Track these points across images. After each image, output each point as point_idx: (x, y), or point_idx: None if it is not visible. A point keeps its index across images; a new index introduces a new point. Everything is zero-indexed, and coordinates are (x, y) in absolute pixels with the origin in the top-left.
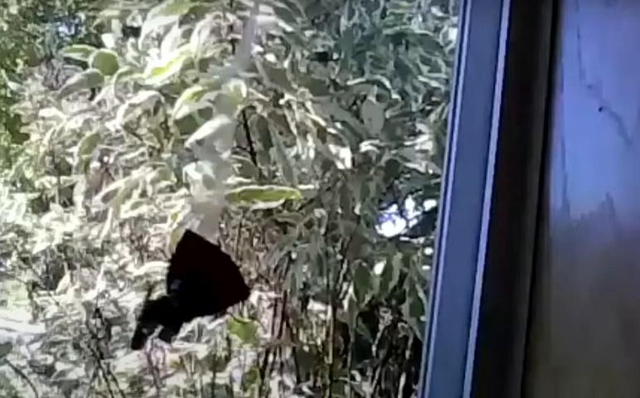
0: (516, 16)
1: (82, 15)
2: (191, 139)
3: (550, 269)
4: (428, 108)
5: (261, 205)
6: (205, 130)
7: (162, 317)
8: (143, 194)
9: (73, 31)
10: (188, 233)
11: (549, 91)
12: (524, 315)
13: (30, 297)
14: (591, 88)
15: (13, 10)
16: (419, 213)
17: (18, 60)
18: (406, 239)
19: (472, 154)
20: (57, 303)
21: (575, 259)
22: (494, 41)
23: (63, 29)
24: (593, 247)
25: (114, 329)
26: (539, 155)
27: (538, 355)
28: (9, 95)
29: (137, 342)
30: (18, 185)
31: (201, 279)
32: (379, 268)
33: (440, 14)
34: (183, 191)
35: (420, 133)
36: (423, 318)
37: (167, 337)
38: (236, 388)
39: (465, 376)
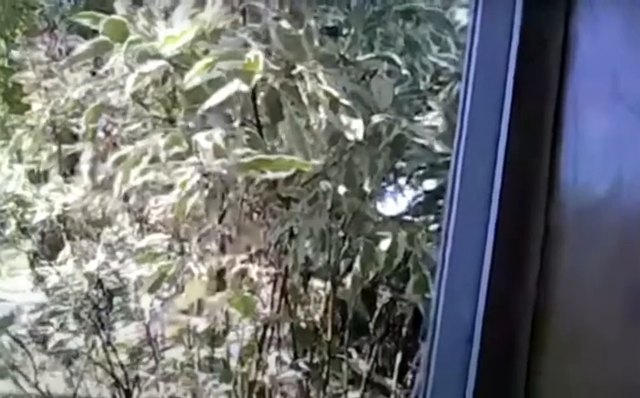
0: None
1: None
2: (205, 106)
3: (559, 249)
4: (436, 87)
5: (270, 175)
6: (218, 97)
7: None
8: (153, 160)
9: (73, 2)
10: None
11: (562, 70)
12: (532, 295)
13: (31, 266)
14: (604, 67)
15: None
16: (421, 192)
17: (17, 31)
18: (409, 217)
19: (483, 132)
20: (58, 273)
21: (585, 238)
22: (508, 20)
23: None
24: (603, 227)
25: (115, 300)
26: (550, 134)
27: (546, 335)
28: (7, 66)
29: None
30: (18, 155)
31: None
32: (384, 244)
33: None
34: (193, 159)
35: (430, 109)
36: (427, 296)
37: None
38: (234, 362)
39: (471, 356)
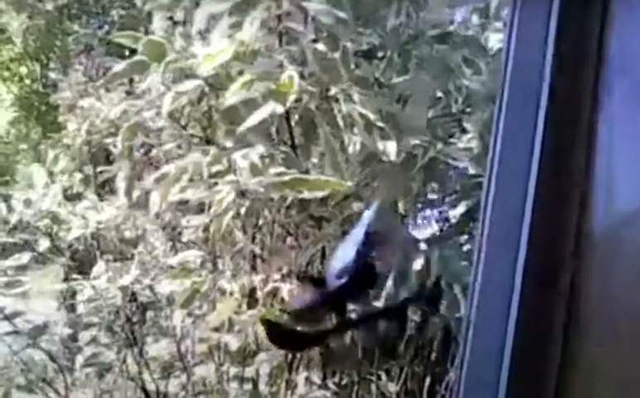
0: (565, 19)
1: (115, 13)
2: (245, 125)
3: (591, 266)
4: (468, 110)
5: (305, 194)
6: (255, 118)
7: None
8: (191, 179)
9: (107, 28)
10: None
11: (595, 89)
12: (562, 315)
13: (66, 280)
14: (638, 86)
15: (49, 6)
16: (454, 213)
17: (52, 55)
18: (443, 238)
19: (516, 153)
20: (93, 287)
21: (617, 252)
22: (541, 40)
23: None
24: (635, 238)
25: (148, 315)
26: (583, 155)
27: (575, 354)
28: (41, 89)
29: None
30: (50, 175)
31: None
32: (417, 265)
33: (482, 20)
34: (229, 177)
35: (464, 131)
36: (458, 317)
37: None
38: (263, 382)
39: (501, 374)
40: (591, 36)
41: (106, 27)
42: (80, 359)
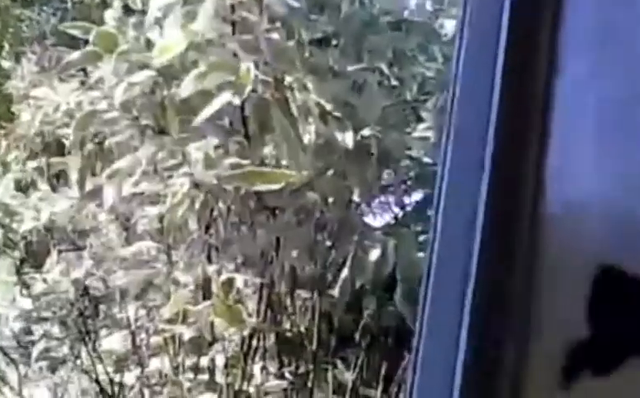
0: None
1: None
2: (200, 117)
3: (547, 254)
4: (423, 97)
5: (261, 187)
6: (211, 109)
7: None
8: (145, 172)
9: (60, 15)
10: None
11: (548, 73)
12: (519, 300)
13: (17, 273)
14: (592, 69)
15: None
16: (410, 202)
17: (5, 44)
18: (398, 227)
19: (470, 142)
20: (44, 281)
21: (573, 234)
22: (495, 27)
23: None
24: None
25: (101, 308)
26: (538, 139)
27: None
28: None
29: None
30: (3, 166)
31: None
32: (374, 255)
33: (436, 6)
34: (184, 169)
35: (420, 120)
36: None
37: None
38: (219, 372)
39: (457, 363)
40: (545, 17)
41: (60, 14)
42: (33, 353)
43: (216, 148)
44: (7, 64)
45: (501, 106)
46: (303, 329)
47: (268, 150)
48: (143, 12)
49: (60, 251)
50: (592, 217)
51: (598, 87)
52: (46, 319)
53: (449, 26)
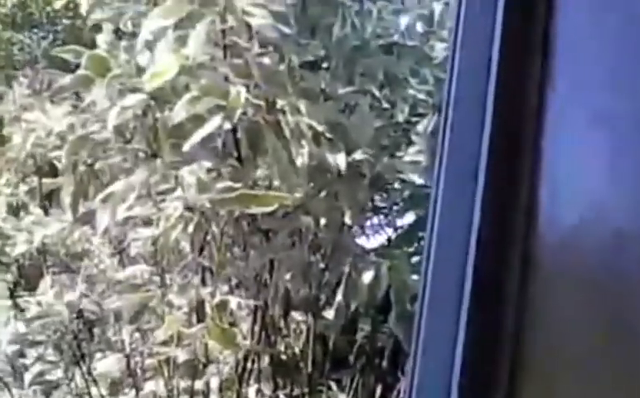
0: (509, 20)
1: (63, 22)
2: (191, 142)
3: (538, 279)
4: (414, 119)
5: (255, 210)
6: (202, 133)
7: None
8: (139, 196)
9: (52, 38)
10: None
11: (540, 86)
12: (512, 324)
13: (11, 296)
14: (583, 86)
15: None
16: (403, 224)
17: None
18: (390, 249)
19: (463, 163)
20: (39, 303)
21: (565, 266)
22: (487, 48)
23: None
24: (583, 251)
25: (95, 331)
26: (530, 159)
27: (525, 365)
28: None
29: None
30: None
31: None
32: (367, 277)
33: (426, 29)
34: (177, 193)
35: (412, 143)
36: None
37: None
38: (213, 394)
39: (452, 384)
40: (536, 35)
41: (51, 37)
42: (27, 377)
43: (209, 171)
44: None
45: (495, 120)
46: (297, 351)
47: (261, 173)
48: (134, 35)
49: (53, 274)
50: (587, 229)
51: (591, 101)
52: (40, 342)
53: (440, 48)
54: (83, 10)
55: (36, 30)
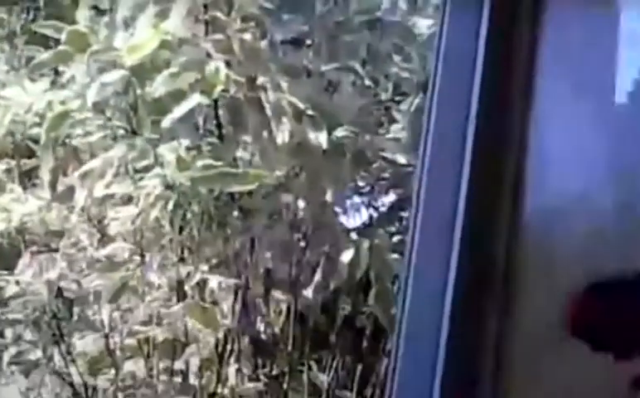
0: (496, 9)
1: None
2: (170, 119)
3: (524, 257)
4: (398, 98)
5: (235, 188)
6: (181, 110)
7: None
8: (117, 173)
9: (32, 15)
10: None
11: (527, 79)
12: (496, 305)
13: None
14: (568, 75)
15: None
16: (384, 203)
17: None
18: (371, 228)
19: (448, 146)
20: (17, 283)
21: (551, 241)
22: (474, 30)
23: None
24: (569, 237)
25: (75, 310)
26: (516, 145)
27: (509, 350)
28: None
29: None
30: None
31: None
32: (347, 256)
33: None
34: (156, 170)
35: (394, 121)
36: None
37: None
38: (193, 374)
39: (436, 366)
40: (523, 25)
41: (31, 14)
42: (5, 357)
43: (189, 149)
44: None
45: (480, 107)
46: (277, 331)
47: (241, 151)
48: (112, 11)
49: (32, 254)
50: (569, 221)
51: (577, 102)
52: (18, 322)
53: (424, 25)
54: None
55: (15, 6)
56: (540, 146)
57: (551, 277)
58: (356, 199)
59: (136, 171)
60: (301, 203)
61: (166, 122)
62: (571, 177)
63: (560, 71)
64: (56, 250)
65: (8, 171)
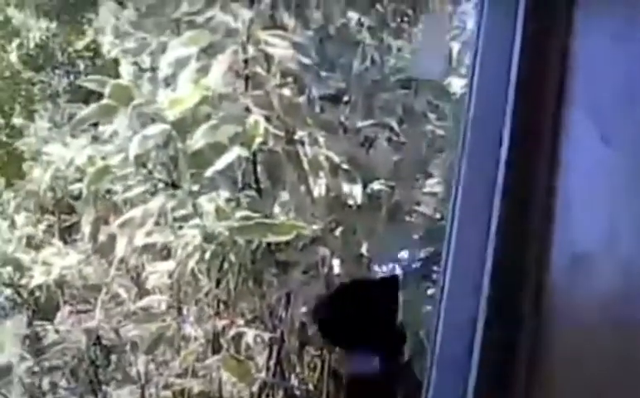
0: (526, 62)
1: (81, 64)
2: (209, 171)
3: (553, 305)
4: (434, 154)
5: (272, 239)
6: (221, 162)
7: None
8: (157, 223)
9: (72, 79)
10: None
11: (555, 129)
12: (525, 354)
13: (30, 325)
14: (596, 118)
15: (13, 57)
16: (419, 257)
17: (16, 105)
18: (405, 282)
19: (477, 198)
20: (57, 331)
21: (579, 287)
22: (503, 86)
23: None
24: (595, 283)
25: (112, 358)
26: (544, 194)
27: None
28: (4, 139)
29: None
30: (12, 222)
31: None
32: None
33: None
34: (195, 221)
35: (429, 176)
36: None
37: None
38: None
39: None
40: (553, 75)
41: (72, 77)
42: None
43: (228, 201)
44: (18, 122)
45: (509, 159)
46: (311, 386)
47: (279, 204)
48: (153, 70)
49: (71, 305)
50: (599, 261)
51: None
52: (57, 368)
53: (458, 84)
54: (104, 49)
55: (57, 70)
56: (569, 192)
57: (580, 314)
58: (392, 253)
59: (175, 220)
60: (336, 257)
61: (207, 173)
62: (601, 215)
63: (590, 105)
64: (94, 303)
65: (49, 226)
